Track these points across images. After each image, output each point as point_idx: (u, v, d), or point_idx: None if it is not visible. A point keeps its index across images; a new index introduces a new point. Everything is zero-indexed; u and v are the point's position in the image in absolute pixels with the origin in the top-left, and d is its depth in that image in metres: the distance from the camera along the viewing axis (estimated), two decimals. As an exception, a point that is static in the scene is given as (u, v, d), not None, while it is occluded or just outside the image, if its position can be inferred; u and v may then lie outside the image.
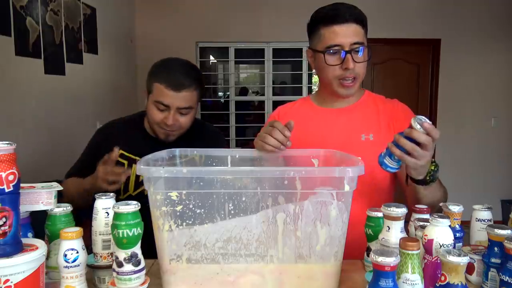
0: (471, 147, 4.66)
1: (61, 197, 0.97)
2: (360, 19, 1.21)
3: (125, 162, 1.39)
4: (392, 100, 1.35)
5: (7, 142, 0.70)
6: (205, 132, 1.52)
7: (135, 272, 0.80)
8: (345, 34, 1.18)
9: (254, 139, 1.17)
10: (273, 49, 4.66)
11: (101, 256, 0.92)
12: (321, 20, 1.22)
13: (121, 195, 1.39)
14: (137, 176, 1.40)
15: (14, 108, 2.38)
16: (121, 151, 1.37)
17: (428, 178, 1.04)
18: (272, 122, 1.12)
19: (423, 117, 0.95)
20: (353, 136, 1.24)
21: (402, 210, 0.88)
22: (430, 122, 0.93)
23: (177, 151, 1.12)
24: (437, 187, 1.10)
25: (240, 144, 4.84)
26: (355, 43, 1.19)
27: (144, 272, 0.82)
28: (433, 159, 1.03)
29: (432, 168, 1.04)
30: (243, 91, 5.23)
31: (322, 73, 1.26)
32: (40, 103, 2.64)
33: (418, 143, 0.93)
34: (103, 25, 3.57)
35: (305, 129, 1.28)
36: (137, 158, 1.39)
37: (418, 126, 0.92)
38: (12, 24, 2.31)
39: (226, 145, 1.66)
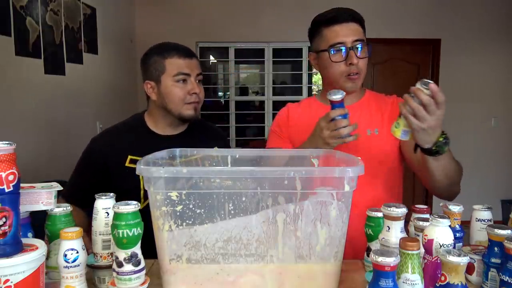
0: (471, 147, 4.66)
1: None
2: (358, 19, 1.29)
3: None
4: (392, 96, 1.43)
5: (7, 142, 0.70)
6: (210, 131, 1.55)
7: (135, 272, 0.80)
8: (346, 32, 1.25)
9: (322, 136, 1.16)
10: (273, 49, 4.66)
11: (101, 256, 0.92)
12: (323, 22, 1.29)
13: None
14: None
15: (14, 108, 2.38)
16: (131, 157, 1.34)
17: (434, 148, 1.04)
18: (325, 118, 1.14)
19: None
20: (359, 132, 1.26)
21: (402, 210, 0.88)
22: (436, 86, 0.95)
23: (177, 151, 1.12)
24: (448, 161, 1.10)
25: (240, 144, 4.84)
26: (356, 40, 1.26)
27: (144, 272, 0.82)
28: (444, 132, 1.04)
29: (441, 139, 1.03)
30: (242, 91, 5.23)
31: (327, 71, 1.30)
32: (40, 103, 2.65)
33: (423, 105, 0.96)
34: (103, 25, 3.57)
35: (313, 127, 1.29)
36: None
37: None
38: (12, 24, 2.31)
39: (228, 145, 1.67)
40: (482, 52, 4.55)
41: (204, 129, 1.52)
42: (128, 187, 1.30)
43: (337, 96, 1.09)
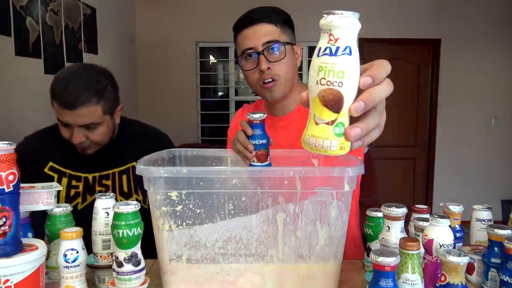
0: (471, 147, 4.66)
1: None
2: (273, 18, 1.15)
3: (55, 175, 1.29)
4: None
5: (7, 142, 0.70)
6: (144, 135, 1.42)
7: (135, 272, 0.80)
8: (255, 35, 1.13)
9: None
10: (273, 49, 4.65)
11: (101, 256, 0.92)
12: (235, 28, 1.19)
13: None
14: (68, 191, 1.30)
15: (14, 108, 2.38)
16: (51, 164, 1.30)
17: None
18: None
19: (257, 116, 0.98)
20: (296, 144, 1.22)
21: (402, 210, 0.88)
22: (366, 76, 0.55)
23: (177, 151, 1.12)
24: None
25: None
26: (267, 42, 1.12)
27: (144, 272, 0.82)
28: None
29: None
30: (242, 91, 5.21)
31: (246, 80, 1.20)
32: (40, 103, 2.64)
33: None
34: (103, 25, 3.57)
35: None
36: (67, 171, 1.30)
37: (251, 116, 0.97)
38: (12, 24, 2.32)
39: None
40: (482, 52, 4.55)
41: (136, 134, 1.41)
42: None
43: (253, 117, 0.99)
